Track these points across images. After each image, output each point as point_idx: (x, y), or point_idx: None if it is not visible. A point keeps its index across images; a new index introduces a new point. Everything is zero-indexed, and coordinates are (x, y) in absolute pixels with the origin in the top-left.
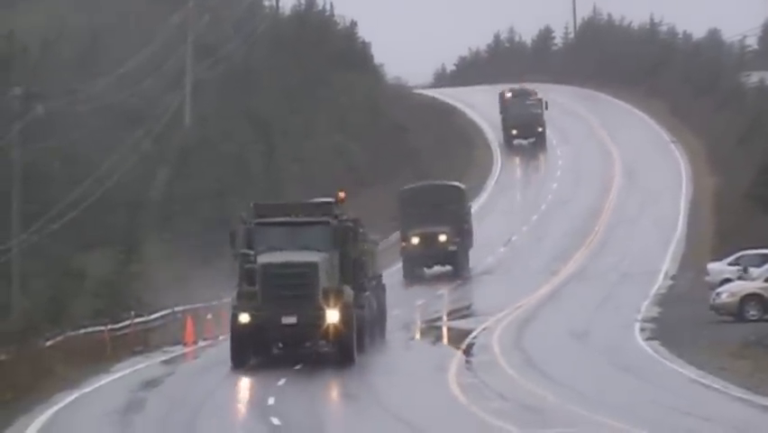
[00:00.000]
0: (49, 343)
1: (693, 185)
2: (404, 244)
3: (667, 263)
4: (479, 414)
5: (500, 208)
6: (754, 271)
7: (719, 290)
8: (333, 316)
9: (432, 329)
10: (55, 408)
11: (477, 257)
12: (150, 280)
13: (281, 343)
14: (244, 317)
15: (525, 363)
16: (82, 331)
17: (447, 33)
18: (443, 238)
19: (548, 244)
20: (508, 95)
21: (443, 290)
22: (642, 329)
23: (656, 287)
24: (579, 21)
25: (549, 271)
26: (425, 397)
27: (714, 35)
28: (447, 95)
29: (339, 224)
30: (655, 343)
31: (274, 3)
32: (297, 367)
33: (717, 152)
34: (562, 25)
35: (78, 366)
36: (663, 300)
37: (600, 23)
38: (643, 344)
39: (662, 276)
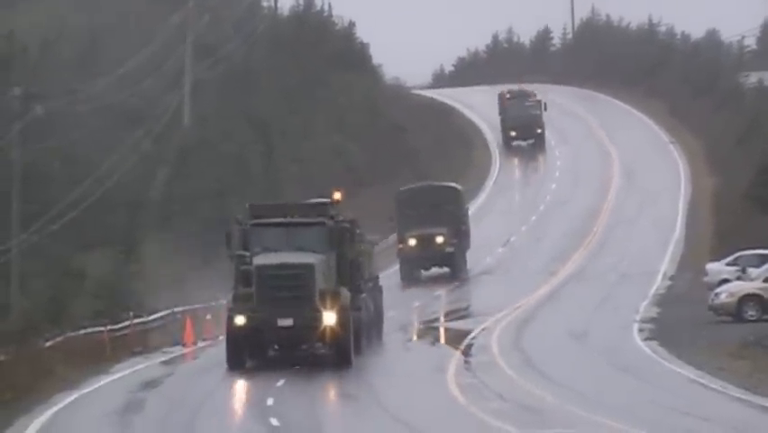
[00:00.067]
0: (48, 343)
1: (692, 185)
2: (401, 245)
3: (666, 264)
4: (478, 414)
5: (499, 209)
6: (752, 271)
7: (718, 290)
8: (329, 318)
9: (430, 330)
10: (54, 408)
11: (475, 257)
12: (150, 280)
13: (277, 345)
14: (240, 320)
15: (524, 363)
16: (82, 332)
17: (446, 34)
18: (440, 240)
19: (547, 244)
20: (507, 96)
21: (442, 291)
22: (640, 330)
23: (655, 287)
24: (577, 21)
25: (548, 272)
26: (424, 397)
27: (712, 36)
28: (446, 95)
29: (336, 225)
30: (654, 343)
31: (272, 3)
32: (296, 368)
33: (716, 153)
34: (560, 26)
35: (78, 367)
36: (662, 301)
37: (599, 24)
38: (641, 344)
39: (660, 276)
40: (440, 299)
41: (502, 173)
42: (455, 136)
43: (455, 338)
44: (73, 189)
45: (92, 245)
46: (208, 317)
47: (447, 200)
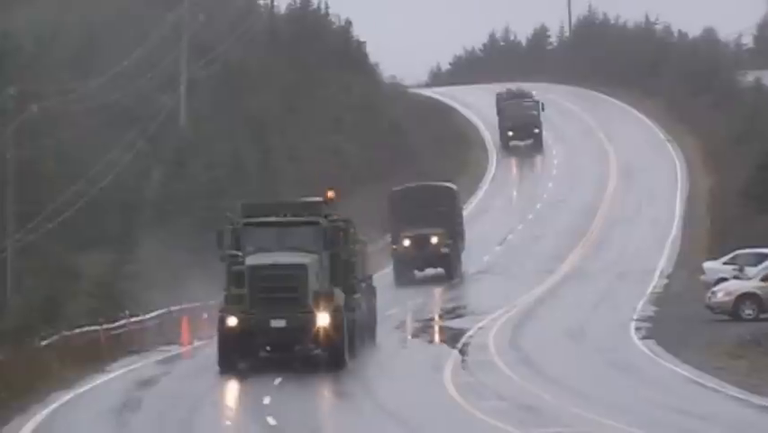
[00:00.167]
0: (44, 342)
1: (689, 184)
2: (395, 246)
3: (663, 262)
4: (475, 413)
5: (496, 207)
6: (749, 270)
7: (715, 289)
8: (323, 319)
9: (427, 329)
10: (50, 407)
11: (472, 256)
12: (146, 279)
13: (270, 347)
14: (232, 321)
15: (521, 362)
16: (77, 331)
17: (442, 32)
18: (435, 240)
19: (544, 242)
20: (505, 96)
21: (438, 290)
22: (638, 328)
23: (652, 286)
24: (574, 20)
25: (545, 270)
26: (421, 396)
27: (710, 34)
28: (443, 94)
29: (329, 224)
30: (651, 342)
31: (269, 2)
32: (293, 367)
33: (714, 151)
34: (557, 24)
35: (74, 366)
36: (659, 299)
37: (596, 22)
38: (638, 343)
39: (657, 275)
40: (436, 298)
41: (499, 171)
42: (452, 135)
43: (452, 337)
44: (68, 189)
45: (87, 244)
46: (204, 316)
47: (442, 200)
